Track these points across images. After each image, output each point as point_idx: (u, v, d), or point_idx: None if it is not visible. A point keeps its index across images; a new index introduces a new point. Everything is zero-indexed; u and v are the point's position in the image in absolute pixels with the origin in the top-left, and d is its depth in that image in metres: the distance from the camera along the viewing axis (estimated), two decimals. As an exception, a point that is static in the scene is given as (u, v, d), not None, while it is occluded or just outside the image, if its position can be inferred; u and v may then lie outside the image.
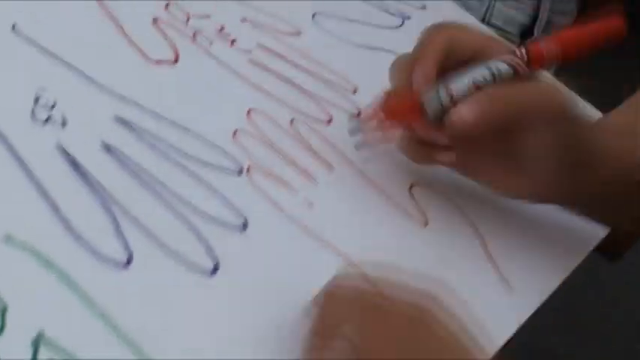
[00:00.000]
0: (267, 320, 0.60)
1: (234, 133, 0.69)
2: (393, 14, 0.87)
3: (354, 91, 0.77)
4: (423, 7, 0.91)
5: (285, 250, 0.64)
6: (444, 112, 0.64)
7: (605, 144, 0.66)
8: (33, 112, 0.64)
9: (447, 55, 0.65)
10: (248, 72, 0.74)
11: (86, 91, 0.67)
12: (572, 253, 0.71)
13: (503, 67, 0.65)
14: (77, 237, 0.59)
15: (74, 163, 0.62)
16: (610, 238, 0.74)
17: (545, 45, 0.65)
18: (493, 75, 0.64)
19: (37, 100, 0.65)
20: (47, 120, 0.64)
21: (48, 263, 0.57)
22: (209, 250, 0.62)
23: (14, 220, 0.59)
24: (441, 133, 0.65)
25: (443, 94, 0.64)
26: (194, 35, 0.74)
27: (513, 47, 0.66)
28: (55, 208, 0.60)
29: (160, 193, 0.63)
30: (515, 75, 0.65)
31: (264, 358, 0.58)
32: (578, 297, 1.86)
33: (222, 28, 0.76)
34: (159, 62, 0.71)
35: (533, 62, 0.65)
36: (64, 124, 0.64)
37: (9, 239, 0.57)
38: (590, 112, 0.86)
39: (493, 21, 1.19)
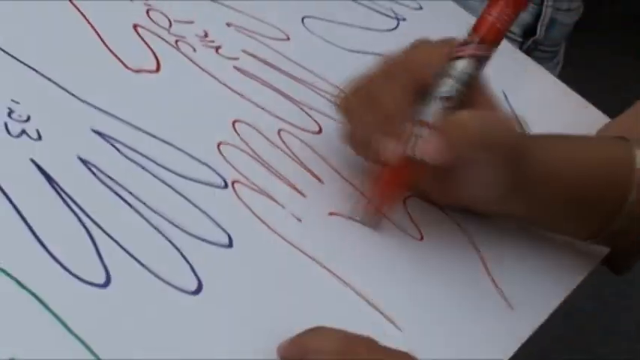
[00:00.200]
0: (252, 340, 0.57)
1: (219, 145, 0.66)
2: (387, 16, 0.85)
3: (346, 99, 0.74)
4: (420, 8, 0.89)
5: (272, 268, 0.62)
6: None
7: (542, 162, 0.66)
8: (6, 126, 0.61)
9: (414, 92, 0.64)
10: (233, 80, 0.71)
11: (62, 103, 0.64)
12: (574, 270, 0.70)
13: (462, 65, 0.63)
14: (52, 256, 0.56)
15: (49, 179, 0.60)
16: (618, 251, 0.72)
17: (490, 12, 0.64)
18: (458, 79, 0.63)
19: (10, 113, 0.62)
20: (21, 134, 0.61)
21: (20, 284, 0.54)
22: (192, 268, 0.59)
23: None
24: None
25: (420, 131, 0.63)
26: (176, 42, 0.72)
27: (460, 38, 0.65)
28: (28, 226, 0.57)
29: (139, 210, 0.60)
30: (478, 63, 0.63)
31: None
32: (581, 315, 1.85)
33: (206, 34, 0.74)
34: (139, 71, 0.69)
35: (488, 37, 0.63)
36: (38, 137, 0.61)
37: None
38: (595, 116, 0.84)
39: None
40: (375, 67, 0.66)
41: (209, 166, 0.65)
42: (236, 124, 0.68)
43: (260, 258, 0.62)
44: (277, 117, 0.70)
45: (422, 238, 0.67)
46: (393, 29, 0.84)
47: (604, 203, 0.68)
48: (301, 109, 0.72)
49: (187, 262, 0.59)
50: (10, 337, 0.52)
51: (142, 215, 0.60)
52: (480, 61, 0.63)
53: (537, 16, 1.17)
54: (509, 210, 0.68)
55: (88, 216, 0.58)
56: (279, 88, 0.73)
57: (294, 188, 0.66)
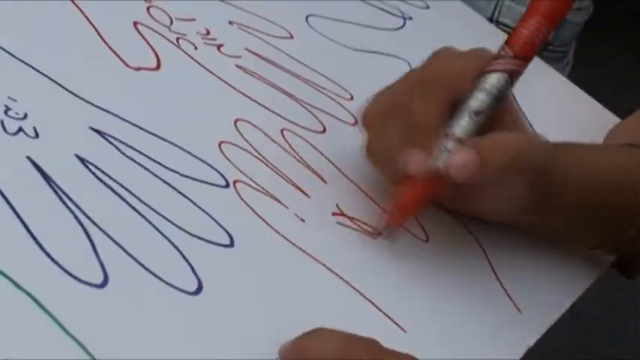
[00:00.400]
0: (253, 342, 0.55)
1: (220, 144, 0.65)
2: (393, 15, 0.84)
3: (351, 99, 0.73)
4: (427, 7, 0.88)
5: (273, 268, 0.60)
6: None
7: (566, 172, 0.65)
8: (2, 124, 0.60)
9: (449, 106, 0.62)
10: (235, 79, 0.70)
11: (59, 101, 0.63)
12: (582, 273, 0.69)
13: (495, 80, 0.61)
14: (48, 255, 0.54)
15: (46, 177, 0.58)
16: (626, 255, 0.71)
17: (526, 27, 0.62)
18: (489, 93, 0.61)
19: (6, 110, 0.61)
20: (18, 131, 0.60)
21: (16, 284, 0.53)
22: (192, 268, 0.57)
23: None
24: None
25: (449, 145, 0.61)
26: (177, 40, 0.71)
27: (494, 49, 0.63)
28: (24, 225, 0.55)
29: (138, 209, 0.59)
30: (510, 78, 0.61)
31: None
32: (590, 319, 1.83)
33: (208, 32, 0.72)
34: (139, 69, 0.68)
35: (522, 51, 0.62)
36: (35, 135, 0.60)
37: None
38: (605, 117, 0.82)
39: (502, 19, 1.16)
40: (400, 80, 0.64)
41: (210, 165, 0.64)
42: (238, 123, 0.67)
43: (262, 258, 0.60)
44: (280, 116, 0.69)
45: (427, 240, 0.66)
46: (399, 28, 0.83)
47: (613, 212, 0.67)
48: (305, 108, 0.71)
49: (187, 262, 0.58)
50: (5, 338, 0.51)
51: (140, 214, 0.59)
52: (512, 76, 0.62)
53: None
54: (523, 221, 0.67)
55: (85, 215, 0.57)
56: (282, 87, 0.71)
57: (297, 188, 0.65)
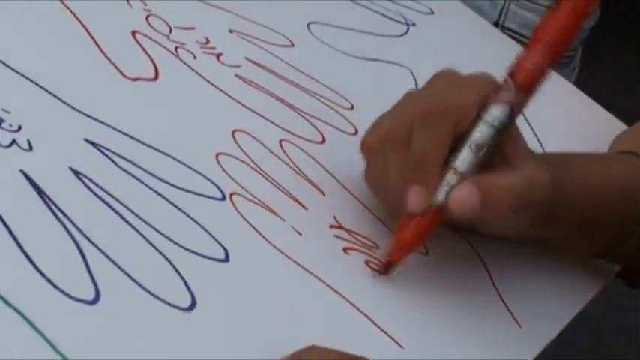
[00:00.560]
0: (248, 358, 0.55)
1: (217, 156, 0.64)
2: (396, 21, 0.83)
3: (352, 108, 0.72)
4: (431, 12, 0.87)
5: (269, 282, 0.60)
6: None
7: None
8: (-5, 136, 0.60)
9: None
10: (234, 89, 0.69)
11: (54, 112, 0.62)
12: (584, 286, 0.67)
13: (497, 112, 0.60)
14: (38, 271, 0.54)
15: (39, 190, 0.58)
16: (630, 265, 0.71)
17: (529, 59, 0.60)
18: (492, 126, 0.60)
19: (0, 122, 0.60)
20: (11, 144, 0.59)
21: (5, 300, 0.52)
22: (186, 283, 0.57)
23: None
24: None
25: (452, 180, 0.60)
26: (176, 49, 0.70)
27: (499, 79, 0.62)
28: (16, 239, 0.55)
29: (132, 223, 0.58)
30: (512, 110, 0.60)
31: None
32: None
33: (207, 41, 0.71)
34: (136, 79, 0.67)
35: (525, 84, 0.60)
36: (29, 148, 0.60)
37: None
38: (612, 123, 0.83)
39: (507, 24, 1.15)
40: (402, 104, 0.63)
41: (206, 178, 0.63)
42: (236, 134, 0.66)
43: (257, 273, 0.60)
44: (279, 126, 0.68)
45: (427, 253, 0.65)
46: (402, 35, 0.82)
47: (617, 221, 0.67)
48: (304, 118, 0.70)
49: (181, 277, 0.57)
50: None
51: (134, 228, 0.58)
52: (515, 109, 0.61)
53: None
54: (527, 236, 0.67)
55: (77, 228, 0.57)
56: (281, 97, 0.70)
57: (294, 200, 0.64)
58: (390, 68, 0.77)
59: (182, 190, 0.61)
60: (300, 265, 0.61)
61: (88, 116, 0.63)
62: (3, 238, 0.55)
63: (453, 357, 0.61)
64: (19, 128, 0.60)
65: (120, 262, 0.56)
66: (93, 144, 0.62)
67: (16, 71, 0.63)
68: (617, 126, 0.84)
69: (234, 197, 0.62)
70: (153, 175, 0.61)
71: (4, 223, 0.55)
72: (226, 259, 0.59)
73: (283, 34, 0.75)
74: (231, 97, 0.69)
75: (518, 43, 0.93)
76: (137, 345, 0.53)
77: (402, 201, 0.61)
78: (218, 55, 0.71)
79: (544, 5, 1.14)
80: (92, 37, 0.68)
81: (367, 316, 0.60)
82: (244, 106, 0.69)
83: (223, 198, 0.62)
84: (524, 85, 0.60)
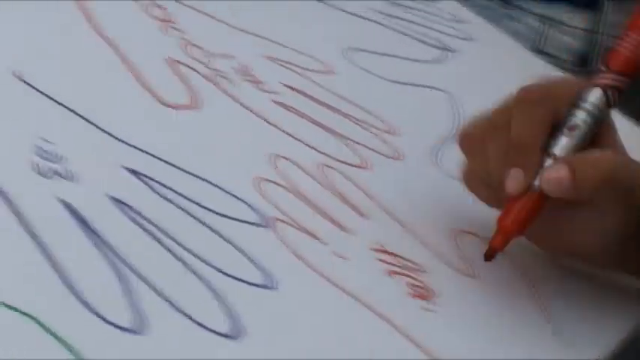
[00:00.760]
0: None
1: (258, 182, 0.64)
2: (434, 47, 0.82)
3: (391, 132, 0.71)
4: (470, 39, 0.86)
5: (316, 310, 0.59)
6: None
7: None
8: (35, 165, 0.59)
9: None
10: (273, 115, 0.69)
11: (94, 141, 0.63)
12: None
13: (594, 98, 0.61)
14: (83, 301, 0.53)
15: (80, 220, 0.57)
16: None
17: (623, 45, 0.62)
18: (589, 112, 0.61)
19: (39, 152, 0.60)
20: (51, 174, 0.59)
21: (49, 330, 0.51)
22: (231, 313, 0.56)
23: (13, 281, 0.53)
24: None
25: (548, 164, 0.61)
26: (214, 76, 0.70)
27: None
28: (58, 269, 0.54)
29: (175, 252, 0.58)
30: (609, 96, 0.61)
31: None
32: None
33: (245, 68, 0.71)
34: (175, 107, 0.67)
35: (619, 71, 0.62)
36: (69, 177, 0.59)
37: (6, 302, 0.52)
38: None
39: (546, 49, 1.14)
40: (496, 105, 0.63)
41: (247, 204, 0.62)
42: (276, 160, 0.66)
43: (302, 300, 0.59)
44: (319, 151, 0.68)
45: (474, 275, 0.64)
46: (440, 60, 0.81)
47: None
48: (345, 143, 0.70)
49: (225, 304, 0.56)
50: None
51: (175, 255, 0.57)
52: (613, 95, 0.62)
53: (591, 44, 1.14)
54: (624, 261, 0.65)
55: (120, 257, 0.56)
56: (321, 122, 0.70)
57: (337, 225, 0.64)
58: (429, 93, 0.77)
59: (222, 216, 0.61)
60: (347, 291, 0.60)
61: (126, 143, 0.63)
62: (46, 269, 0.54)
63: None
64: (59, 158, 0.60)
65: (164, 291, 0.55)
66: (132, 171, 0.61)
67: (55, 100, 0.64)
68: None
69: (275, 223, 0.62)
70: (192, 201, 0.61)
71: (46, 252, 0.55)
72: (271, 286, 0.58)
73: (321, 61, 0.75)
74: (270, 123, 0.69)
75: (557, 68, 0.92)
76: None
77: (503, 186, 0.61)
78: (256, 82, 0.71)
79: (581, 28, 1.14)
80: (131, 66, 0.68)
81: (416, 344, 0.58)
82: (283, 131, 0.68)
83: (265, 224, 0.62)
84: (618, 69, 0.61)
